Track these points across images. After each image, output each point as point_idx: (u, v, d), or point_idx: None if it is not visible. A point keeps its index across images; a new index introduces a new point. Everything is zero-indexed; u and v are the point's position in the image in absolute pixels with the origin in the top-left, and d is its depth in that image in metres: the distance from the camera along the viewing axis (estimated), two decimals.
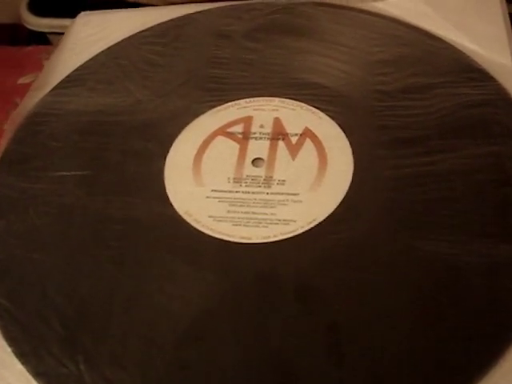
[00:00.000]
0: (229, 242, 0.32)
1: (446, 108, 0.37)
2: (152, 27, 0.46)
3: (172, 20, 0.46)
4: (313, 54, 0.41)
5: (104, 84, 0.41)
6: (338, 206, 0.33)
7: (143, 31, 0.45)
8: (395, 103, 0.38)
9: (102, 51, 0.44)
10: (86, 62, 0.44)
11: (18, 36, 0.62)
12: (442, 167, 0.34)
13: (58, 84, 0.42)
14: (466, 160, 0.34)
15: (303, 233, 0.32)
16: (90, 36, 0.46)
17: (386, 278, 0.30)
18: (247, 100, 0.39)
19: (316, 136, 0.36)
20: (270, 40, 0.42)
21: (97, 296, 0.31)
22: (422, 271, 0.31)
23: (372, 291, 0.30)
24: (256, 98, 0.39)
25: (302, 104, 0.38)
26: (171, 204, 0.34)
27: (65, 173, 0.36)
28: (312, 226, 0.32)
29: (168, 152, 0.37)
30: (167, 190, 0.35)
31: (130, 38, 0.45)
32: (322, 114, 0.37)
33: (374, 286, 0.30)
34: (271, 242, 0.32)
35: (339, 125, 0.37)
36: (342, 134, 0.36)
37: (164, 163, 0.36)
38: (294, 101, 0.38)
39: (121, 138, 0.38)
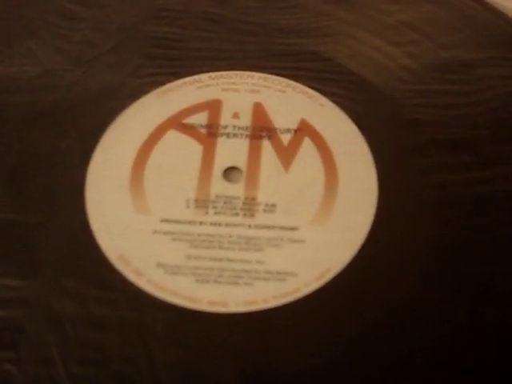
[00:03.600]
0: (191, 311, 0.20)
1: (498, 97, 0.25)
2: None
3: None
4: (307, 11, 0.28)
5: None
6: (361, 248, 0.21)
7: None
8: (427, 86, 0.26)
9: None
10: None
11: None
12: (503, 187, 0.23)
13: None
14: None
15: (310, 295, 0.20)
16: None
17: (440, 368, 0.19)
18: (212, 75, 0.26)
19: (319, 134, 0.24)
20: None
21: None
22: (489, 350, 0.20)
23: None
24: (225, 72, 0.26)
25: (295, 83, 0.26)
26: (95, 242, 0.21)
27: None
28: (323, 282, 0.21)
29: (91, 156, 0.24)
30: (89, 219, 0.22)
31: None
32: (324, 100, 0.25)
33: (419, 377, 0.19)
34: (259, 312, 0.20)
35: (351, 117, 0.25)
36: (357, 130, 0.24)
37: (85, 174, 0.23)
38: (282, 78, 0.26)
39: (16, 130, 0.24)
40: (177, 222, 0.22)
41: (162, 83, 0.26)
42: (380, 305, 0.20)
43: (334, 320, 0.20)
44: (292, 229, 0.22)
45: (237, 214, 0.22)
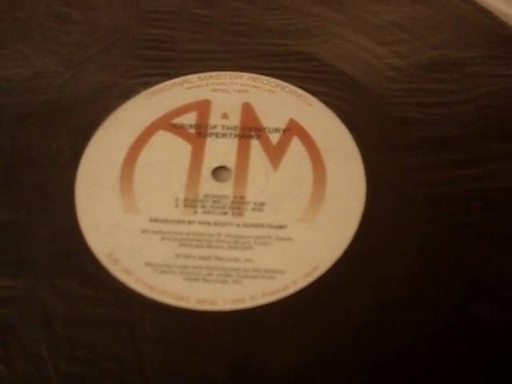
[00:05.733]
0: (180, 309, 0.20)
1: (487, 95, 0.26)
2: None
3: None
4: (295, 11, 0.29)
5: None
6: (349, 246, 0.21)
7: None
8: (415, 85, 0.26)
9: None
10: None
11: None
12: (492, 184, 0.23)
13: None
14: None
15: (298, 292, 0.20)
16: None
17: (430, 367, 0.19)
18: (201, 75, 0.26)
19: (307, 133, 0.24)
20: None
21: None
22: (479, 347, 0.20)
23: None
24: (215, 73, 0.26)
25: (284, 83, 0.26)
26: (85, 241, 0.22)
27: None
28: (311, 280, 0.21)
29: (81, 155, 0.24)
30: (79, 219, 0.22)
31: None
32: (313, 99, 0.25)
33: (411, 377, 0.19)
34: (247, 310, 0.20)
35: (340, 116, 0.25)
36: (345, 129, 0.24)
37: (75, 174, 0.23)
38: (271, 78, 0.26)
39: (7, 130, 0.24)
40: (166, 221, 0.22)
41: (152, 84, 0.26)
42: (368, 303, 0.20)
43: (321, 317, 0.20)
44: (280, 227, 0.22)
45: (225, 213, 0.22)
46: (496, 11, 0.29)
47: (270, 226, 0.22)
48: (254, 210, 0.22)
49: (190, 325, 0.20)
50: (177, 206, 0.22)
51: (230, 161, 0.23)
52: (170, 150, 0.24)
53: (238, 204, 0.22)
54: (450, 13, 0.29)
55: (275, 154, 0.24)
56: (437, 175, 0.23)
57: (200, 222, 0.22)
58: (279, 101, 0.25)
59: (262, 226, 0.22)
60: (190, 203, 0.22)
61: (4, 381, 0.19)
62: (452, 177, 0.23)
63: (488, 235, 0.22)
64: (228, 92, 0.25)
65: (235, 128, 0.24)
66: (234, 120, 0.25)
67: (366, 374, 0.19)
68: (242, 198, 0.23)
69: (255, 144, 0.24)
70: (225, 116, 0.25)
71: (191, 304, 0.20)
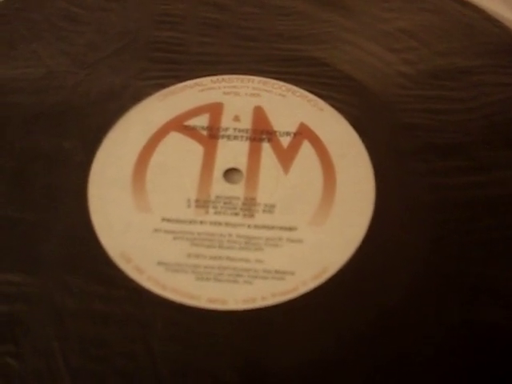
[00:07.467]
0: (191, 308, 0.20)
1: (493, 103, 0.26)
2: None
3: None
4: (305, 17, 0.29)
5: (1, 46, 0.28)
6: (358, 249, 0.22)
7: None
8: (423, 92, 0.26)
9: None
10: None
11: None
12: (497, 191, 0.23)
13: None
14: None
15: (307, 293, 0.21)
16: None
17: (431, 366, 0.20)
18: (213, 78, 0.26)
19: (317, 137, 0.25)
20: None
21: None
22: (483, 351, 0.20)
23: None
24: (226, 76, 0.27)
25: (295, 87, 0.26)
26: (97, 240, 0.22)
27: None
28: (320, 282, 0.21)
29: (94, 155, 0.24)
30: (92, 217, 0.22)
31: None
32: (323, 104, 0.26)
33: (415, 378, 0.19)
34: (257, 310, 0.20)
35: (350, 121, 0.25)
36: (355, 134, 0.25)
37: (87, 173, 0.23)
38: (282, 82, 0.26)
39: (19, 129, 0.25)
40: (178, 221, 0.22)
41: (164, 86, 0.26)
42: (375, 305, 0.21)
43: (329, 318, 0.20)
44: (290, 229, 0.22)
45: (236, 214, 0.22)
46: (504, 20, 0.30)
47: (281, 228, 0.22)
48: (264, 211, 0.23)
49: (200, 323, 0.20)
50: (189, 206, 0.23)
51: (242, 163, 0.24)
52: (182, 151, 0.24)
53: (249, 205, 0.23)
54: (458, 21, 0.29)
55: (286, 158, 0.24)
56: (443, 181, 0.24)
57: (211, 223, 0.22)
58: (290, 105, 0.26)
59: (272, 227, 0.22)
60: (202, 204, 0.23)
61: (15, 376, 0.19)
62: (458, 183, 0.24)
63: (493, 240, 0.22)
64: (240, 95, 0.26)
65: (247, 131, 0.25)
66: (246, 123, 0.25)
67: (372, 374, 0.19)
68: (253, 199, 0.23)
69: (266, 147, 0.24)
70: (236, 119, 0.25)
71: (202, 303, 0.20)
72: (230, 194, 0.23)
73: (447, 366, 0.20)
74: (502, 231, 0.22)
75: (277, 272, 0.21)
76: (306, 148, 0.24)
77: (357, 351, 0.20)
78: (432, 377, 0.20)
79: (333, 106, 0.26)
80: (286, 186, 0.23)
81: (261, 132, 0.25)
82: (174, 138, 0.24)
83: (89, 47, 0.28)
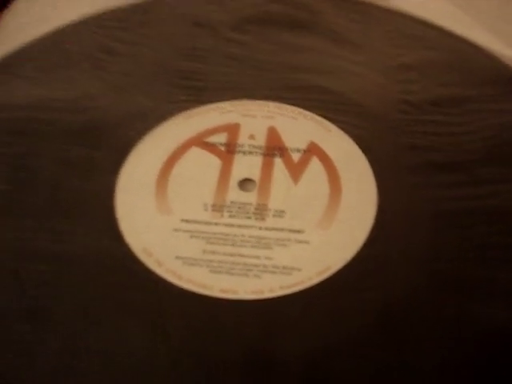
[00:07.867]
0: (204, 296, 0.22)
1: (490, 128, 0.28)
2: (113, 10, 0.36)
3: (137, 4, 0.36)
4: (318, 52, 0.32)
5: (42, 72, 0.31)
6: (360, 251, 0.24)
7: (101, 13, 0.35)
8: (425, 117, 0.29)
9: (46, 34, 0.34)
10: (23, 45, 0.33)
11: None
12: (493, 202, 0.25)
13: None
14: None
15: (312, 287, 0.23)
16: (31, 15, 0.36)
17: (429, 359, 0.21)
18: (233, 103, 0.29)
19: (325, 154, 0.27)
20: (263, 33, 0.33)
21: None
22: (476, 345, 0.21)
23: (411, 375, 0.21)
24: (244, 101, 0.29)
25: (306, 112, 0.29)
26: (123, 237, 0.24)
27: None
28: (324, 277, 0.23)
29: (122, 165, 0.27)
30: (119, 218, 0.25)
31: (83, 20, 0.35)
32: (331, 126, 0.28)
33: (414, 369, 0.21)
34: (265, 300, 0.22)
35: (355, 140, 0.27)
36: (360, 152, 0.27)
37: (116, 180, 0.26)
38: (294, 107, 0.29)
39: (58, 142, 0.27)
40: (195, 221, 0.24)
41: (189, 108, 0.29)
42: (374, 299, 0.22)
43: (331, 310, 0.22)
44: (298, 231, 0.24)
45: (249, 218, 0.25)
46: (499, 55, 0.32)
47: (289, 230, 0.24)
48: (274, 216, 0.25)
49: (213, 311, 0.22)
50: (206, 209, 0.25)
51: (255, 174, 0.26)
52: (201, 164, 0.27)
53: (261, 210, 0.25)
54: (457, 56, 0.32)
55: (296, 171, 0.26)
56: (442, 193, 0.26)
57: (226, 224, 0.24)
58: (301, 126, 0.28)
59: (281, 229, 0.24)
60: (218, 208, 0.25)
61: (36, 356, 0.21)
62: (456, 195, 0.26)
63: (489, 246, 0.24)
64: (256, 117, 0.28)
65: (261, 147, 0.27)
66: (260, 140, 0.27)
67: (374, 361, 0.21)
68: (265, 205, 0.25)
69: (278, 161, 0.27)
70: (252, 137, 0.28)
71: (215, 293, 0.22)
72: (244, 200, 0.25)
73: (447, 363, 0.21)
74: (498, 237, 0.24)
75: (284, 268, 0.23)
76: (315, 163, 0.27)
77: (358, 340, 0.21)
78: (433, 375, 0.21)
79: (340, 127, 0.28)
80: (295, 195, 0.25)
81: (273, 148, 0.27)
82: (195, 153, 0.27)
83: (121, 74, 0.31)
